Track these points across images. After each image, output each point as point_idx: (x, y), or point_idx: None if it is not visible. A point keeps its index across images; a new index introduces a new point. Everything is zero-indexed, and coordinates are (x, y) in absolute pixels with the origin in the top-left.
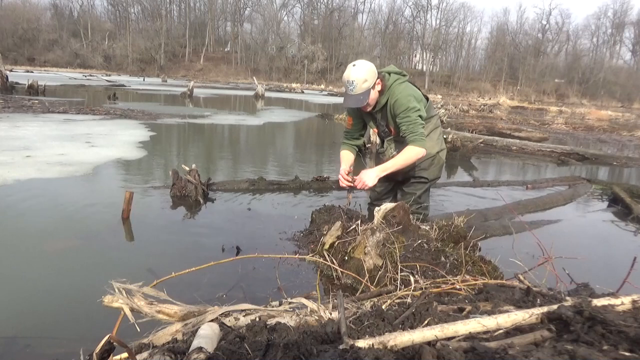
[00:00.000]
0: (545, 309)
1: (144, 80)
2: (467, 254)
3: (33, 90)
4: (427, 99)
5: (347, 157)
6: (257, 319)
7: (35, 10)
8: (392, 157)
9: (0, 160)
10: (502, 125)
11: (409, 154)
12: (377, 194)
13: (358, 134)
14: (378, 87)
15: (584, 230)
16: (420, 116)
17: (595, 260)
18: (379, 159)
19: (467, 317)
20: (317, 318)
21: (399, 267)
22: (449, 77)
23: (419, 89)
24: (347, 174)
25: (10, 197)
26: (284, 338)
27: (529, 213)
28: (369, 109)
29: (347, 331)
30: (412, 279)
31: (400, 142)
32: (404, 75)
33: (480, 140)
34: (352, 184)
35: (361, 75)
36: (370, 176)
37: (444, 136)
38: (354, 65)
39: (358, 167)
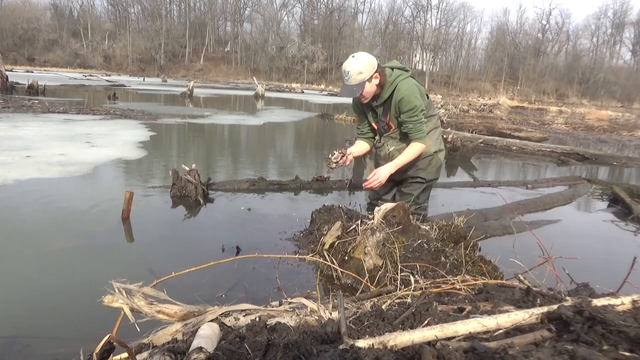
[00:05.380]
0: (545, 309)
1: (144, 80)
2: (467, 254)
3: (33, 90)
4: (427, 97)
5: (359, 143)
6: (257, 319)
7: (35, 10)
8: (389, 153)
9: (0, 160)
10: (502, 125)
11: (416, 149)
12: (376, 194)
13: (368, 128)
14: (375, 81)
15: (584, 230)
16: (424, 114)
17: (595, 260)
18: (378, 156)
19: (467, 317)
20: (317, 318)
21: (399, 267)
22: (449, 77)
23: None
24: (338, 156)
25: (11, 197)
26: (284, 338)
27: (529, 213)
28: (364, 101)
29: (347, 331)
30: (412, 279)
31: (398, 139)
32: (407, 71)
33: (480, 140)
34: (333, 166)
35: (357, 66)
36: (383, 173)
37: (444, 136)
38: (353, 56)
39: (359, 167)
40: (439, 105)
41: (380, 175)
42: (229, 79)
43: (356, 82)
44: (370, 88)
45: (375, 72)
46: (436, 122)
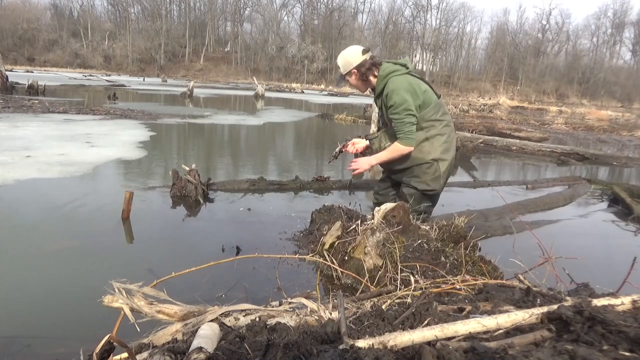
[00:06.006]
0: (545, 309)
1: (144, 80)
2: (467, 254)
3: (33, 90)
4: (438, 96)
5: None
6: (257, 319)
7: (35, 10)
8: (383, 147)
9: (0, 160)
10: (502, 125)
11: (393, 149)
12: (380, 187)
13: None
14: (353, 77)
15: (584, 230)
16: (410, 114)
17: (595, 260)
18: (371, 149)
19: (467, 317)
20: (317, 318)
21: (399, 267)
22: (449, 77)
23: (429, 85)
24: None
25: (11, 197)
26: (284, 338)
27: (529, 213)
28: (361, 92)
29: (347, 331)
30: (412, 279)
31: (393, 136)
32: (407, 68)
33: (480, 140)
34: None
35: (338, 61)
36: (363, 163)
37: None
38: (344, 49)
39: None
40: None
41: (360, 163)
42: (229, 79)
43: (339, 73)
44: (353, 82)
45: (354, 68)
46: (442, 129)
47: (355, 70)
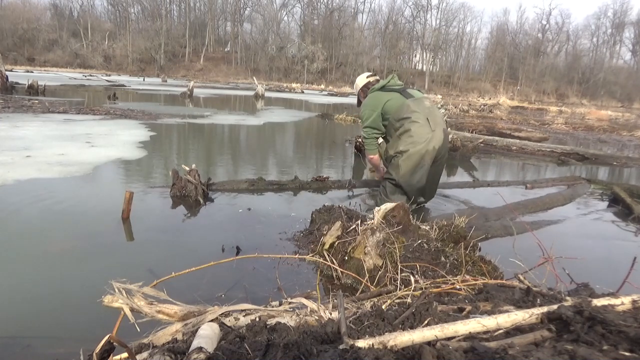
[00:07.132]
0: (545, 309)
1: (144, 80)
2: (467, 254)
3: (33, 90)
4: (407, 97)
5: None
6: (257, 319)
7: (35, 10)
8: (380, 151)
9: (0, 160)
10: (502, 125)
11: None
12: None
13: None
14: (362, 94)
15: (584, 230)
16: (364, 126)
17: (595, 260)
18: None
19: (467, 317)
20: (317, 318)
21: (399, 267)
22: (449, 77)
23: (400, 92)
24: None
25: (10, 198)
26: (284, 338)
27: (529, 213)
28: None
29: (347, 331)
30: (412, 279)
31: (384, 141)
32: (377, 83)
33: (480, 140)
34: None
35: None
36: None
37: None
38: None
39: (359, 167)
40: (439, 105)
41: None
42: (229, 79)
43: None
44: (363, 98)
45: (360, 89)
46: (408, 125)
47: (361, 91)
